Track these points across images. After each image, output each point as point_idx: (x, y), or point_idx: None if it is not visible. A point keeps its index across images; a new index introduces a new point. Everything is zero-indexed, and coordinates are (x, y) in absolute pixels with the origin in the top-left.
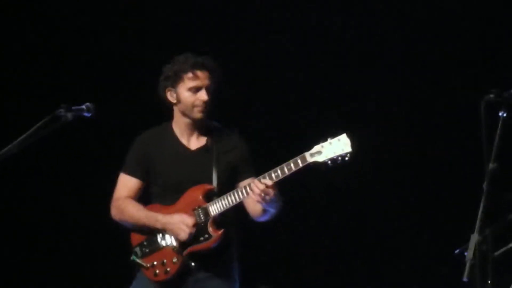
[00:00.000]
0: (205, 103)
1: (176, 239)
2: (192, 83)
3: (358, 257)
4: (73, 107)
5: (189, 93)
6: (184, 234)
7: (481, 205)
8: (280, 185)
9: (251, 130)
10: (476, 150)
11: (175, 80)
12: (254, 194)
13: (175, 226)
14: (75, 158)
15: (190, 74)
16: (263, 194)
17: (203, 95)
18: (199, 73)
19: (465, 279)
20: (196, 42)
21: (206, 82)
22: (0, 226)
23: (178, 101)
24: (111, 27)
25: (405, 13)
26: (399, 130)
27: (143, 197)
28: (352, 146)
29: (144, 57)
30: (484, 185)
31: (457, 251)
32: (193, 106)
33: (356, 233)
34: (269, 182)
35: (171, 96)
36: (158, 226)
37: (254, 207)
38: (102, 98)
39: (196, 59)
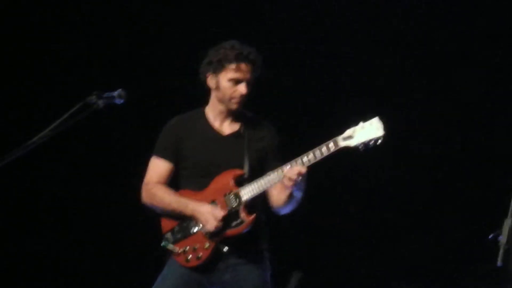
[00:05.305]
0: (243, 96)
1: None
2: (234, 75)
3: (390, 241)
4: (104, 95)
5: (229, 83)
6: (210, 226)
7: None
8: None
9: (284, 114)
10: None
11: (217, 67)
12: (285, 178)
13: (203, 216)
14: (106, 145)
15: (233, 66)
16: (295, 178)
17: (242, 88)
18: (242, 65)
19: (499, 263)
20: (233, 29)
21: (247, 75)
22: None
23: (217, 88)
24: (143, 12)
25: None
26: (432, 113)
27: (174, 181)
28: (384, 129)
29: (177, 43)
30: None
31: (491, 236)
32: (231, 97)
33: (388, 217)
34: (303, 169)
35: (211, 81)
36: (188, 212)
37: (278, 196)
38: (133, 84)
39: (242, 50)
